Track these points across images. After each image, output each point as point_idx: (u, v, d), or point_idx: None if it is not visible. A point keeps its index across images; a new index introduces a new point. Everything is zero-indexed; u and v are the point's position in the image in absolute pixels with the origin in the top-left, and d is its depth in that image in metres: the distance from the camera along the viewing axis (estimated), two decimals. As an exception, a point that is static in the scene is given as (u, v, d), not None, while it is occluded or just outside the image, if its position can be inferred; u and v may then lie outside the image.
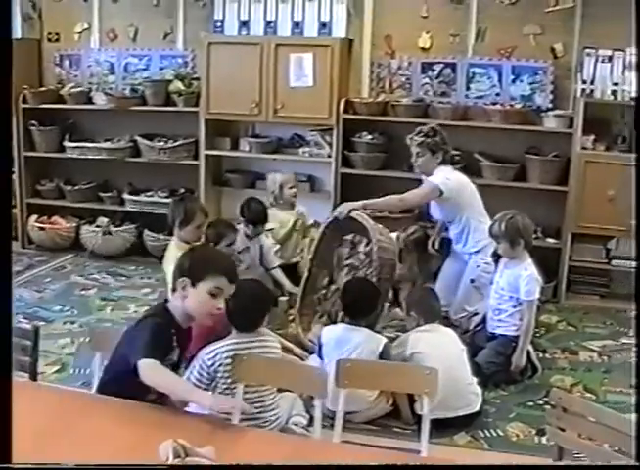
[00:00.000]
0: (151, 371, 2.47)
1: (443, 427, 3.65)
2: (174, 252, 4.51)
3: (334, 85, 5.78)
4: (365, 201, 4.77)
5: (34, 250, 6.68)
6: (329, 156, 6.00)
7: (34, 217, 6.66)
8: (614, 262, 5.71)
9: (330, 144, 5.98)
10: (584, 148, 5.52)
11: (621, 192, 5.39)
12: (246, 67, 5.89)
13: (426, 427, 2.91)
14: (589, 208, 5.52)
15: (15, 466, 1.91)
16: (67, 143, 6.54)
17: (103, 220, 6.54)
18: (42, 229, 6.62)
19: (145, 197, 6.47)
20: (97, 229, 6.45)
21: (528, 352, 4.38)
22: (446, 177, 4.80)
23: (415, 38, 5.96)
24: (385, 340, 3.89)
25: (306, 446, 2.39)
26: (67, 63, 6.73)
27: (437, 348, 3.80)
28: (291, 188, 5.43)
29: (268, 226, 5.23)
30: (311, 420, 3.46)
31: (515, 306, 4.36)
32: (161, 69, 6.46)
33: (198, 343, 3.46)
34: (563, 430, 2.67)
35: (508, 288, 4.38)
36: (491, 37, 5.83)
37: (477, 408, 3.84)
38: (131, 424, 2.39)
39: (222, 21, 6.10)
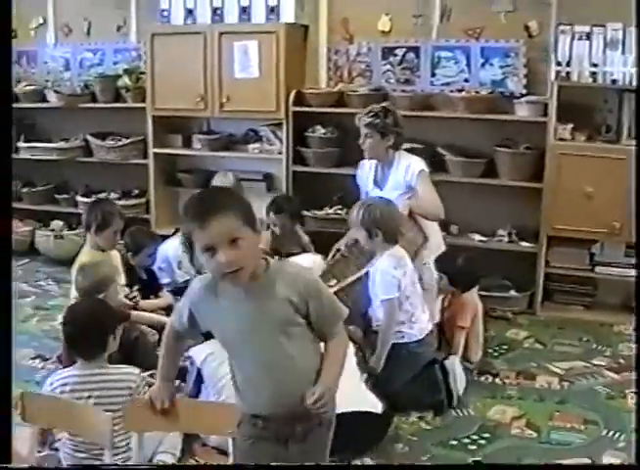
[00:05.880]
0: None
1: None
2: (85, 258, 4.19)
3: (280, 75, 5.25)
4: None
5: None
6: (279, 152, 5.47)
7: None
8: (597, 269, 4.99)
9: (281, 139, 5.45)
10: (561, 139, 4.85)
11: (602, 188, 4.71)
12: (190, 58, 5.44)
13: None
14: (566, 207, 4.83)
15: (15, 466, 1.98)
16: (20, 144, 6.25)
17: (58, 224, 6.25)
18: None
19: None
20: (50, 233, 6.14)
21: (445, 374, 3.79)
22: (418, 160, 4.29)
23: (374, 21, 5.36)
24: None
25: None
26: (24, 60, 6.43)
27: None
28: None
29: None
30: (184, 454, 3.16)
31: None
32: (115, 63, 6.08)
33: None
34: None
35: (372, 284, 3.83)
36: (457, 17, 5.19)
37: (378, 410, 3.36)
38: None
39: (168, 10, 5.63)
